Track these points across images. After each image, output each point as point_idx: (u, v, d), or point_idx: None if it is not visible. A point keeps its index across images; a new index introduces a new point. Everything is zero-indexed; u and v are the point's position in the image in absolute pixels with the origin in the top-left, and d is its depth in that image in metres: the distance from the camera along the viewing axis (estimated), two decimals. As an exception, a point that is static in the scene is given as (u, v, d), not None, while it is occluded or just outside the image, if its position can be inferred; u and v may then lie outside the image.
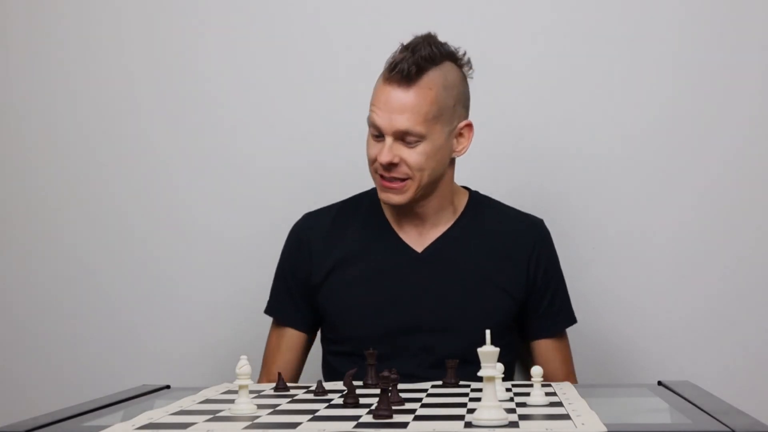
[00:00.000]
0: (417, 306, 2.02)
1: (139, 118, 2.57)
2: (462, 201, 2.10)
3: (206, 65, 2.54)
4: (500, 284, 2.03)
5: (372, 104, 1.96)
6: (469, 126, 2.01)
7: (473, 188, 2.15)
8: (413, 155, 1.94)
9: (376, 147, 1.96)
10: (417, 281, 2.03)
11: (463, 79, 2.00)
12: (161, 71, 2.56)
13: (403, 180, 1.96)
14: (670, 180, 2.45)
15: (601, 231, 2.46)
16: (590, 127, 2.46)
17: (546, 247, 2.08)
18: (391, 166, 1.94)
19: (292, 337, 2.10)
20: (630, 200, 2.45)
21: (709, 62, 2.44)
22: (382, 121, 1.93)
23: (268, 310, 2.14)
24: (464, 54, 2.00)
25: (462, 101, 1.99)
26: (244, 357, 1.53)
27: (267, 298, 2.17)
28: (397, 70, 1.92)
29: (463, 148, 2.01)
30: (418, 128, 1.92)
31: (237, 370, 1.52)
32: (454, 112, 1.97)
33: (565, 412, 1.45)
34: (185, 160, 2.55)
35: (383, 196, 1.99)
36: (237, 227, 2.53)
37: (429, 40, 1.96)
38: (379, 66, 2.00)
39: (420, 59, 1.92)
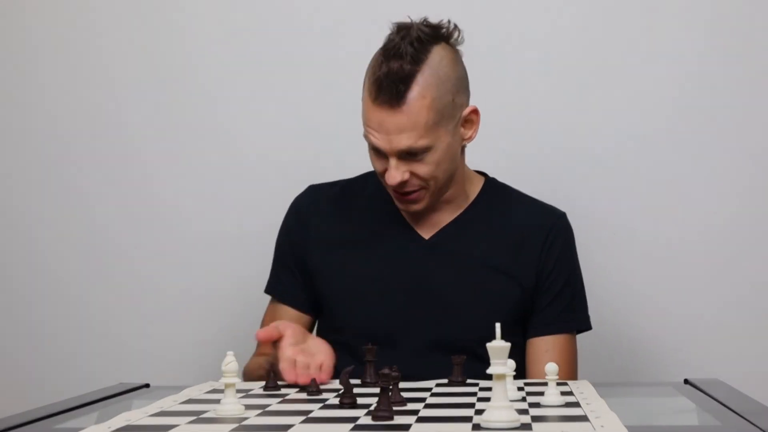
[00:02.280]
0: (421, 295, 2.02)
1: (120, 109, 2.59)
2: (476, 187, 2.12)
3: (194, 57, 2.57)
4: (511, 273, 2.04)
5: (365, 124, 1.96)
6: (475, 111, 2.01)
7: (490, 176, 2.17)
8: (423, 167, 1.97)
9: (380, 162, 1.99)
10: (423, 269, 2.04)
11: (456, 62, 1.98)
12: (146, 62, 2.58)
13: (417, 190, 1.99)
14: (699, 175, 2.48)
15: (625, 226, 2.49)
16: (613, 122, 2.49)
17: (562, 239, 2.08)
18: (402, 184, 1.97)
19: (289, 316, 2.08)
20: (657, 194, 2.49)
21: (736, 55, 2.46)
22: (381, 143, 1.95)
23: (267, 288, 2.14)
24: (448, 23, 1.97)
25: (460, 88, 1.98)
26: (230, 353, 1.52)
27: (255, 290, 2.19)
28: (382, 93, 1.90)
29: (473, 132, 2.02)
30: (422, 142, 1.93)
31: (223, 367, 1.50)
32: (454, 106, 1.97)
33: (582, 413, 1.45)
34: (165, 151, 2.58)
35: (401, 206, 2.04)
36: (222, 220, 2.56)
37: (407, 37, 1.92)
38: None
39: (403, 71, 1.89)
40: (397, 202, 2.04)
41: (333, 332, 2.05)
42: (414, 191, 1.99)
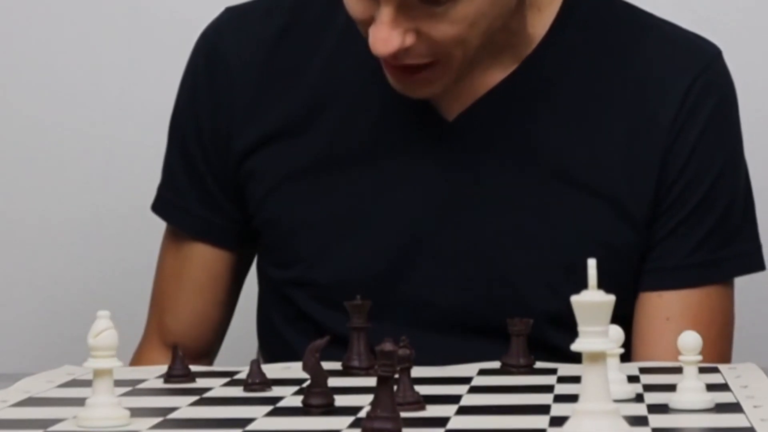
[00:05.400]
0: (442, 216, 2.02)
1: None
2: (549, 12, 2.03)
3: None
4: (613, 194, 1.99)
5: None
6: None
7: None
8: (443, 27, 1.86)
9: (361, 5, 1.90)
10: (443, 172, 2.02)
11: None
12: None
13: (427, 65, 1.91)
14: None
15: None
16: None
17: (713, 101, 2.02)
18: (399, 54, 1.88)
19: (205, 258, 2.12)
20: None
21: None
22: None
23: (157, 205, 2.16)
24: None
25: None
26: (103, 314, 1.47)
27: (140, 206, 2.25)
28: None
29: None
30: None
31: (90, 340, 1.46)
32: None
33: (746, 425, 1.42)
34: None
35: (397, 87, 1.96)
36: (77, 112, 2.82)
37: None
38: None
39: None
40: (389, 78, 1.95)
41: (285, 271, 2.06)
42: (421, 65, 1.91)
